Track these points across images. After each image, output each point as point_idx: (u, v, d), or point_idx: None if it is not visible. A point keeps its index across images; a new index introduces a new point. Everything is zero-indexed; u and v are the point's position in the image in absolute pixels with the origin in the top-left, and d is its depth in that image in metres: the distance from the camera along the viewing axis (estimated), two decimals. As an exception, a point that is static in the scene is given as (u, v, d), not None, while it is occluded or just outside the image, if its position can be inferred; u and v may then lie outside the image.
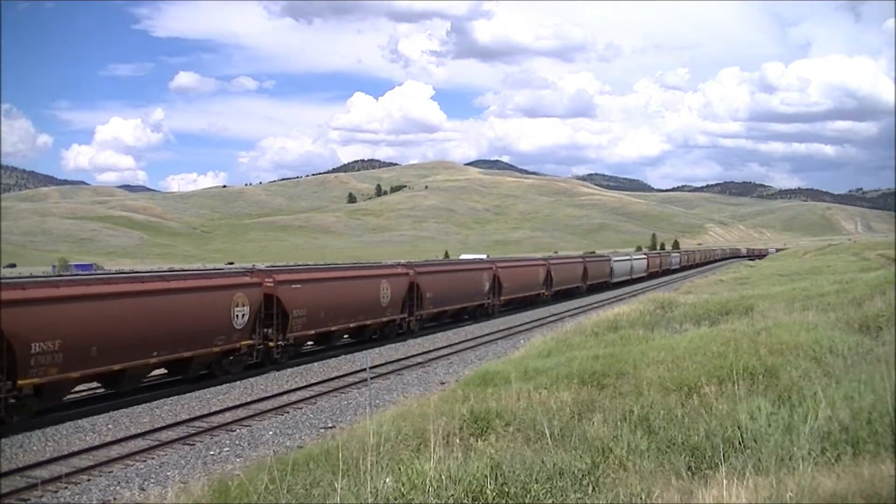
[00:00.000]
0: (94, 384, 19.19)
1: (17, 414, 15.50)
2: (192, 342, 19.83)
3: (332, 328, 25.78)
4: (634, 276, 69.93)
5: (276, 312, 22.69)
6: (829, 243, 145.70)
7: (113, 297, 18.05)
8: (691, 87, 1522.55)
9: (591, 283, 55.71)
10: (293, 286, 23.75)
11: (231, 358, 21.60)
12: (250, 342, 21.98)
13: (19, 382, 15.24)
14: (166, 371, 20.81)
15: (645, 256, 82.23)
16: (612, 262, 63.99)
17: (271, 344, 22.66)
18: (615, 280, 62.99)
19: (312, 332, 24.80)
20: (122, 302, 18.14)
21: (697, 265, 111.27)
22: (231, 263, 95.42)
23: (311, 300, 24.17)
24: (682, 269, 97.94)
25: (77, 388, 18.26)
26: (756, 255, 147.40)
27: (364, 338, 28.81)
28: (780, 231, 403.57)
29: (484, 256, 70.49)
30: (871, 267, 41.96)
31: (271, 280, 22.92)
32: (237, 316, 21.20)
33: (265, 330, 22.56)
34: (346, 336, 27.92)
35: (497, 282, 38.62)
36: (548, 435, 7.59)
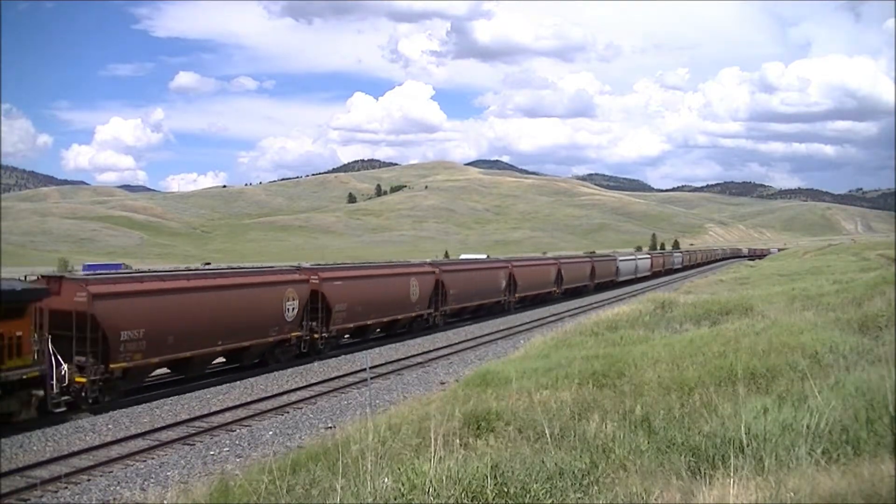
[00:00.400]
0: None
1: (108, 394, 17.50)
2: (251, 332, 21.89)
3: (368, 322, 28.01)
4: (639, 276, 71.97)
5: (320, 307, 24.85)
6: (829, 243, 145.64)
7: (187, 291, 20.15)
8: (691, 87, 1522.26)
9: (598, 281, 57.94)
10: (335, 283, 26.08)
11: (282, 348, 23.69)
12: (299, 333, 24.10)
13: (111, 366, 17.33)
14: (224, 360, 22.65)
15: (649, 256, 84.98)
16: (617, 261, 66.29)
17: (316, 335, 24.74)
18: (621, 279, 65.16)
19: (351, 325, 27.01)
20: (194, 296, 20.21)
21: (699, 265, 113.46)
22: (207, 264, 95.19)
23: (350, 296, 26.43)
24: (685, 268, 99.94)
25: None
26: (757, 255, 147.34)
27: (394, 331, 30.69)
28: (780, 231, 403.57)
29: (484, 256, 70.50)
30: (871, 267, 41.95)
31: (317, 277, 25.12)
32: (288, 309, 23.32)
33: (311, 323, 24.53)
34: (378, 330, 29.94)
35: (513, 280, 40.83)
36: (548, 435, 7.59)
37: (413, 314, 31.07)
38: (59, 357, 16.25)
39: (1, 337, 14.98)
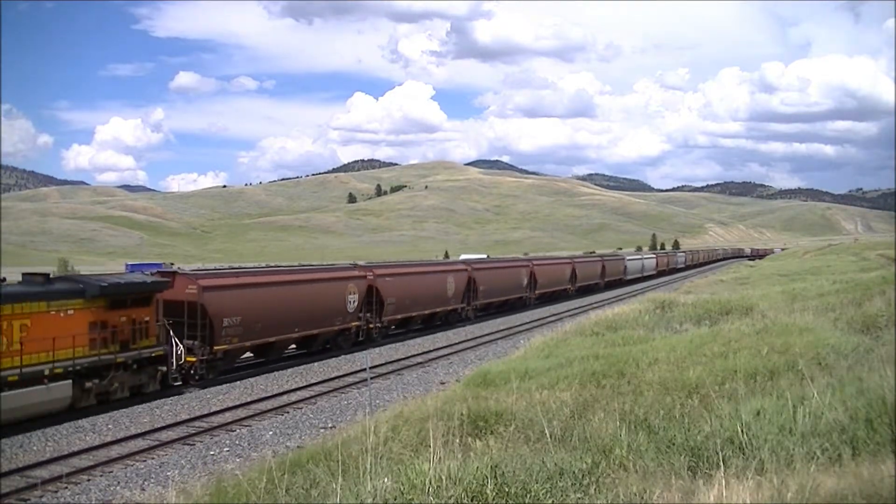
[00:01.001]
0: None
1: (210, 373, 20.53)
2: (320, 322, 24.95)
3: (413, 314, 31.27)
4: (645, 274, 75.20)
5: (374, 300, 27.92)
6: (829, 243, 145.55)
7: (273, 285, 23.57)
8: (691, 87, 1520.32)
9: (608, 279, 61.71)
10: (387, 279, 29.18)
11: (343, 336, 26.60)
12: (357, 323, 27.17)
13: (214, 348, 20.43)
14: (295, 346, 25.29)
15: (654, 256, 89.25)
16: (625, 261, 70.16)
17: (371, 325, 27.86)
18: (628, 277, 68.42)
19: (400, 316, 30.16)
20: (278, 289, 23.47)
21: (702, 264, 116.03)
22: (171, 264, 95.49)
23: (399, 291, 29.59)
24: (688, 267, 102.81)
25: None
26: (759, 255, 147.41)
27: (433, 324, 33.57)
28: (780, 231, 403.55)
29: (484, 256, 70.72)
30: (871, 267, 41.93)
31: (372, 274, 28.34)
32: (350, 302, 26.43)
33: (366, 314, 27.56)
34: (419, 322, 32.83)
35: (533, 278, 44.39)
36: (548, 435, 7.58)
37: (449, 308, 34.39)
38: (176, 339, 19.21)
39: (133, 322, 18.08)
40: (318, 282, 25.70)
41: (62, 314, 16.67)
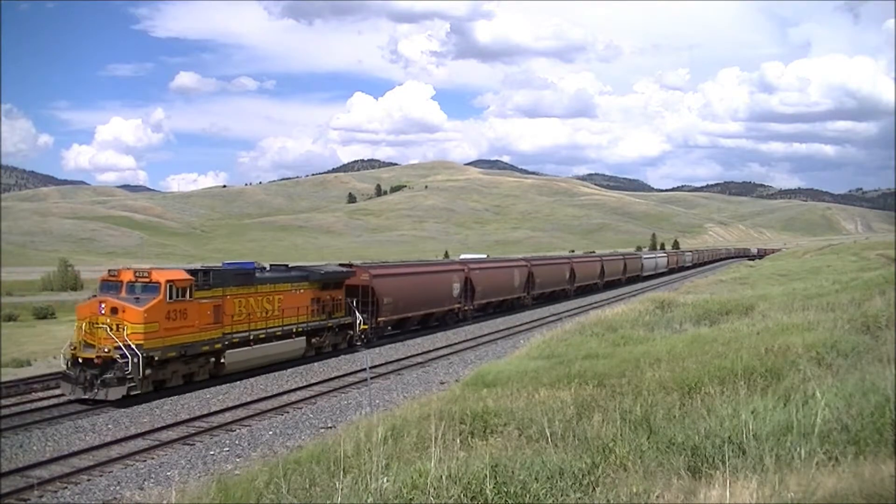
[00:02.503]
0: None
1: (375, 337, 28.30)
2: (436, 303, 33.19)
3: (493, 300, 39.87)
4: (658, 271, 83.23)
5: (468, 288, 35.79)
6: (829, 243, 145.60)
7: (412, 274, 32.21)
8: (691, 88, 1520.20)
9: (628, 275, 69.76)
10: (477, 272, 37.36)
11: (449, 315, 34.67)
12: (458, 306, 35.14)
13: (378, 319, 28.16)
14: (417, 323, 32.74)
15: (665, 255, 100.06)
16: (642, 259, 79.69)
17: (466, 308, 35.91)
18: (645, 274, 76.46)
19: (484, 301, 38.41)
20: (414, 277, 32.07)
21: (708, 262, 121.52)
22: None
23: (484, 281, 37.84)
24: (694, 265, 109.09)
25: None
26: (765, 254, 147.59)
27: (504, 307, 41.58)
28: (780, 231, 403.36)
29: (484, 256, 71.07)
30: (871, 267, 41.92)
31: (467, 268, 36.57)
32: (454, 289, 34.56)
33: (463, 299, 35.30)
34: (495, 307, 40.43)
35: (573, 273, 53.24)
36: (548, 435, 7.58)
37: (513, 297, 42.47)
38: (356, 312, 26.97)
39: (333, 299, 25.99)
40: (436, 273, 34.53)
41: (298, 292, 24.18)
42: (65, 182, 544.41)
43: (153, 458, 13.73)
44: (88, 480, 12.45)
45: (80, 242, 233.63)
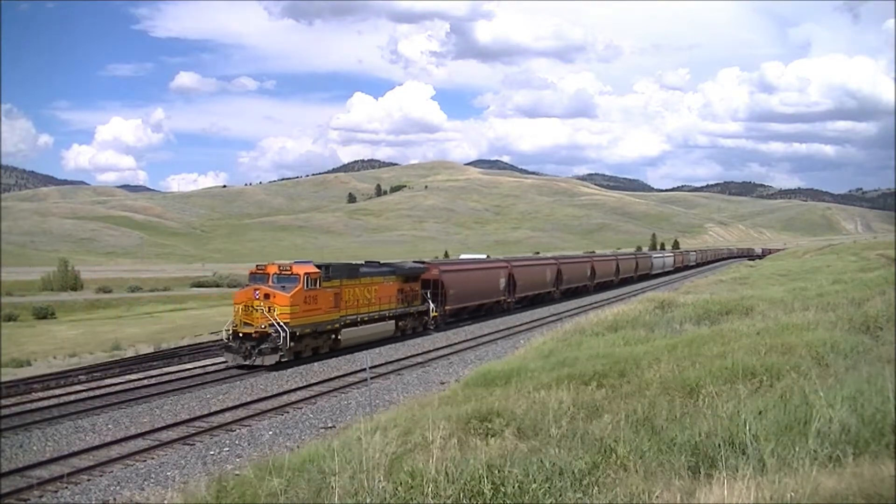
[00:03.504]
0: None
1: (443, 322, 33.62)
2: (487, 295, 38.87)
3: (529, 293, 45.67)
4: (666, 270, 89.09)
5: (511, 283, 41.34)
6: (829, 243, 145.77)
7: (469, 271, 37.97)
8: (691, 88, 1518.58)
9: (640, 273, 75.41)
10: (519, 268, 43.58)
11: (496, 307, 40.15)
12: (503, 298, 40.69)
13: (445, 307, 33.68)
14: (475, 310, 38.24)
15: (672, 254, 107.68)
16: (652, 258, 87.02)
17: (509, 300, 41.60)
18: (654, 272, 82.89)
19: (523, 295, 43.99)
20: (470, 273, 37.79)
21: (711, 262, 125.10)
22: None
23: (524, 277, 43.74)
24: (698, 265, 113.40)
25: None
26: (770, 254, 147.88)
27: (538, 299, 47.22)
28: (780, 231, 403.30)
29: (484, 256, 71.39)
30: (871, 267, 41.89)
31: (510, 265, 42.65)
32: (501, 284, 40.27)
33: (506, 292, 40.90)
34: (531, 299, 45.95)
35: (593, 270, 59.16)
36: (548, 435, 7.57)
37: (545, 291, 48.42)
38: (430, 301, 32.48)
39: (412, 290, 31.21)
40: (487, 269, 40.27)
41: (388, 284, 29.38)
42: (65, 182, 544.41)
43: (153, 458, 13.73)
44: (88, 480, 12.45)
45: (80, 242, 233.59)
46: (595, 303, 45.24)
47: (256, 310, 22.91)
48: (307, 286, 23.74)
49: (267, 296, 23.04)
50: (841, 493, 4.76)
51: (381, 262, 32.12)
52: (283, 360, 22.83)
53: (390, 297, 29.30)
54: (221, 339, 24.33)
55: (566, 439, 7.52)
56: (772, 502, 4.81)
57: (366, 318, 27.40)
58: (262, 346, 22.53)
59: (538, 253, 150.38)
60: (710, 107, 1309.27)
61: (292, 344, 22.99)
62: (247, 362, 22.62)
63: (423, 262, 34.50)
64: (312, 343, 24.74)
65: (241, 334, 22.98)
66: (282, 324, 22.62)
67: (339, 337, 25.82)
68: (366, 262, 30.67)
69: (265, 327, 22.63)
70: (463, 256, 63.09)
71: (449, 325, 34.13)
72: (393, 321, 29.31)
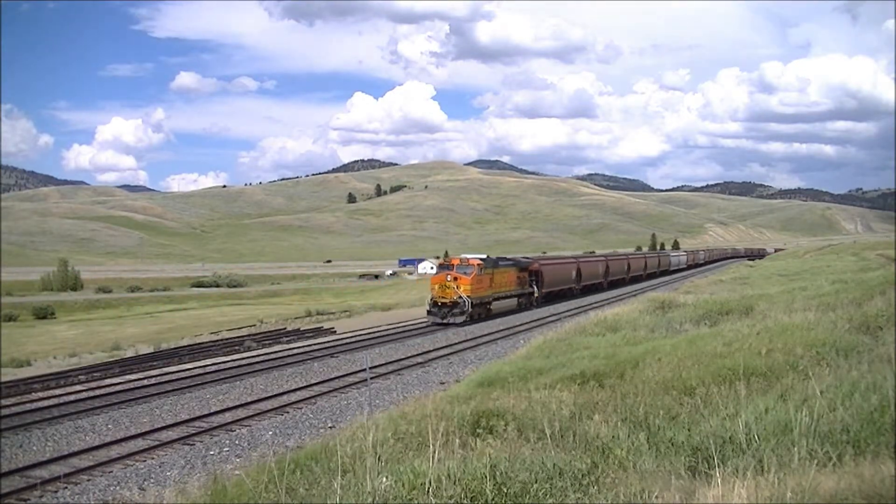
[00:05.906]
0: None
1: (542, 300, 45.04)
2: (565, 282, 50.31)
3: (587, 283, 55.95)
4: (679, 267, 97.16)
5: (578, 274, 53.17)
6: (829, 243, 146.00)
7: (554, 264, 50.56)
8: (691, 88, 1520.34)
9: (648, 271, 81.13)
10: (584, 264, 56.73)
11: (571, 291, 51.49)
12: (575, 286, 52.62)
13: (543, 290, 45.24)
14: (544, 297, 46.69)
15: (685, 253, 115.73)
16: (669, 256, 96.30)
17: (577, 288, 53.04)
18: (672, 269, 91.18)
19: (582, 284, 54.52)
20: (554, 266, 50.04)
21: (718, 260, 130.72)
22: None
23: (585, 270, 55.30)
24: (706, 263, 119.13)
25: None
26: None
27: (588, 292, 56.08)
28: (780, 231, 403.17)
29: (484, 256, 71.94)
30: (871, 267, 41.91)
31: (577, 261, 56.58)
32: (574, 275, 52.13)
33: (577, 281, 52.94)
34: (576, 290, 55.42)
35: (607, 268, 65.73)
36: (548, 435, 7.57)
37: (598, 281, 59.63)
38: (534, 286, 43.73)
39: (524, 277, 42.59)
40: (565, 264, 52.98)
41: (512, 272, 40.97)
42: (65, 182, 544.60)
43: (153, 458, 13.72)
44: (88, 480, 12.44)
45: (80, 242, 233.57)
46: (570, 309, 45.38)
47: (449, 287, 34.81)
48: (479, 272, 35.72)
49: (455, 278, 35.10)
50: (841, 493, 4.76)
51: (507, 256, 45.29)
52: (467, 320, 34.34)
53: (513, 281, 40.88)
54: (426, 306, 37.09)
55: (566, 439, 7.53)
56: (772, 502, 4.81)
57: (503, 295, 39.31)
58: (454, 311, 34.63)
59: (545, 253, 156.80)
60: (710, 107, 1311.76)
61: (471, 309, 34.57)
62: (443, 321, 34.47)
63: (528, 258, 48.02)
64: (479, 310, 36.09)
65: (439, 303, 35.06)
66: (465, 297, 34.61)
67: (490, 307, 37.26)
68: (498, 257, 42.74)
69: (455, 298, 34.61)
70: (463, 256, 64.18)
71: (543, 305, 44.62)
72: (515, 298, 41.37)
